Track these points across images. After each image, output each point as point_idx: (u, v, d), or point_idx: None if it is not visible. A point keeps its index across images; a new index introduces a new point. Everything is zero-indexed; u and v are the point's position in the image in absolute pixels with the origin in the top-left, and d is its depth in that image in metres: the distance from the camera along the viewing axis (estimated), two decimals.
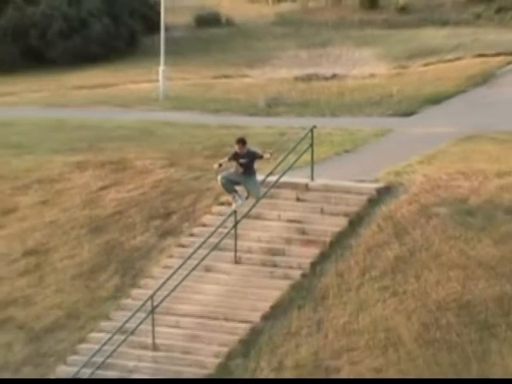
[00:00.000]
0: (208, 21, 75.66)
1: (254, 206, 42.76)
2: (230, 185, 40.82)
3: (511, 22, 71.14)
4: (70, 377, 38.58)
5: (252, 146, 41.73)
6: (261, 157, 41.23)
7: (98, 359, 38.20)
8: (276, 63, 65.60)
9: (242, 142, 41.12)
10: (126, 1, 71.50)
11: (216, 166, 41.63)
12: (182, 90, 59.04)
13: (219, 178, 41.15)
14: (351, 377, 35.97)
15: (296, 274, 40.35)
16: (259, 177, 43.38)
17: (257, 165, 41.20)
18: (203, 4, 77.24)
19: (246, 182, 40.82)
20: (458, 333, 36.42)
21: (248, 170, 40.96)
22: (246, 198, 41.26)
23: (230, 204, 43.02)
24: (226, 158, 41.32)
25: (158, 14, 64.90)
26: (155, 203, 45.50)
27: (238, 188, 41.38)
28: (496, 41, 66.72)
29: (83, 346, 39.78)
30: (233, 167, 41.08)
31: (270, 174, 44.26)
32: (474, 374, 35.10)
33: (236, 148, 41.07)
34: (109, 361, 38.49)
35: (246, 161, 40.74)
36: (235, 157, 40.99)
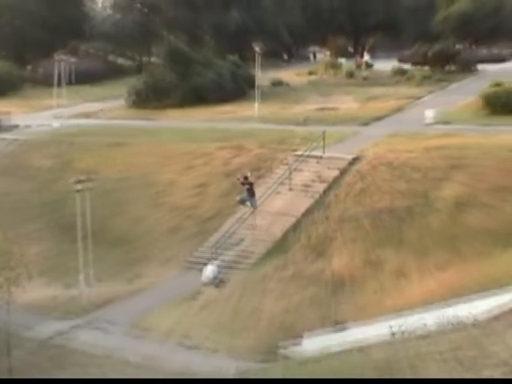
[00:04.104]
0: (277, 83, 74.97)
1: (305, 160, 43.00)
2: (242, 202, 40.04)
3: (413, 84, 70.81)
4: (208, 247, 38.21)
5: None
6: (252, 185, 40.46)
7: (228, 233, 38.60)
8: (307, 102, 65.19)
9: (246, 177, 40.28)
10: (240, 74, 71.06)
11: (237, 179, 41.00)
12: (265, 114, 58.64)
13: (237, 198, 40.44)
14: (342, 241, 35.92)
15: (316, 195, 40.38)
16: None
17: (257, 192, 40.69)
18: (275, 76, 76.90)
19: (249, 200, 39.96)
20: (389, 222, 36.41)
21: (249, 193, 40.06)
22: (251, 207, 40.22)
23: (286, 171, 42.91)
24: (239, 182, 40.65)
25: (254, 80, 64.56)
26: (253, 164, 45.19)
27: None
28: (405, 93, 66.23)
29: (222, 228, 39.88)
30: (243, 192, 40.27)
31: (306, 150, 44.40)
32: (394, 240, 35.17)
33: (242, 179, 40.26)
34: (235, 235, 38.58)
35: (248, 187, 39.91)
36: (243, 184, 40.10)
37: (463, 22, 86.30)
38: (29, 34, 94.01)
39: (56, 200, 45.89)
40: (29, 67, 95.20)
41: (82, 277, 33.28)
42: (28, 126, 61.77)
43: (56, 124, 61.79)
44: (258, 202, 40.26)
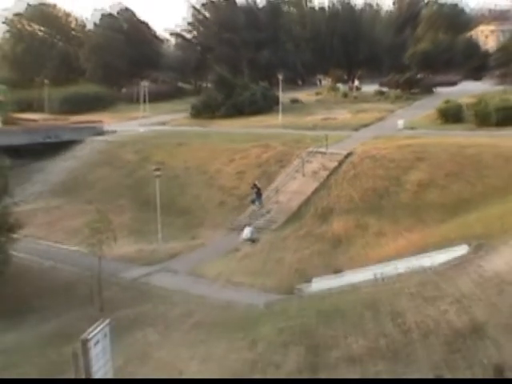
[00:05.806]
0: (294, 101, 73.60)
1: (313, 154, 42.43)
2: (253, 201, 38.70)
3: (389, 102, 69.76)
4: (245, 216, 37.66)
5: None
6: (259, 189, 39.27)
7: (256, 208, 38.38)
8: (315, 114, 64.19)
9: (255, 184, 39.38)
10: (268, 94, 70.03)
11: (251, 187, 39.75)
12: (286, 122, 57.62)
13: (249, 199, 39.38)
14: (339, 211, 35.53)
15: (321, 179, 39.72)
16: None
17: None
18: (293, 96, 75.77)
19: (257, 200, 38.77)
20: (372, 198, 35.94)
21: (257, 195, 39.04)
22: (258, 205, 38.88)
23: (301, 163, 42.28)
24: (251, 187, 39.63)
25: (278, 99, 64.37)
26: (277, 157, 44.71)
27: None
28: (384, 107, 65.05)
29: (249, 208, 39.30)
30: (253, 195, 39.29)
31: (314, 148, 43.84)
32: (376, 210, 34.60)
33: (252, 185, 39.49)
34: (264, 208, 38.40)
35: (256, 191, 39.06)
36: (252, 188, 39.24)
37: (425, 57, 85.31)
38: (117, 66, 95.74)
39: (137, 183, 46.19)
40: (118, 90, 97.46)
41: (160, 236, 33.49)
42: (119, 131, 62.15)
43: (141, 129, 62.16)
44: (281, 184, 39.80)
